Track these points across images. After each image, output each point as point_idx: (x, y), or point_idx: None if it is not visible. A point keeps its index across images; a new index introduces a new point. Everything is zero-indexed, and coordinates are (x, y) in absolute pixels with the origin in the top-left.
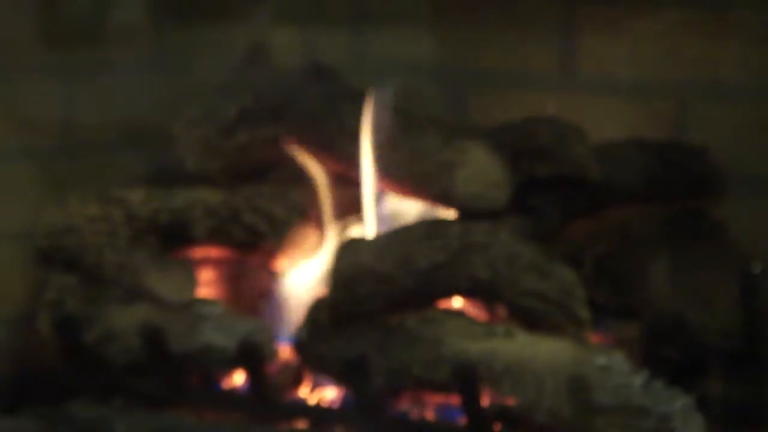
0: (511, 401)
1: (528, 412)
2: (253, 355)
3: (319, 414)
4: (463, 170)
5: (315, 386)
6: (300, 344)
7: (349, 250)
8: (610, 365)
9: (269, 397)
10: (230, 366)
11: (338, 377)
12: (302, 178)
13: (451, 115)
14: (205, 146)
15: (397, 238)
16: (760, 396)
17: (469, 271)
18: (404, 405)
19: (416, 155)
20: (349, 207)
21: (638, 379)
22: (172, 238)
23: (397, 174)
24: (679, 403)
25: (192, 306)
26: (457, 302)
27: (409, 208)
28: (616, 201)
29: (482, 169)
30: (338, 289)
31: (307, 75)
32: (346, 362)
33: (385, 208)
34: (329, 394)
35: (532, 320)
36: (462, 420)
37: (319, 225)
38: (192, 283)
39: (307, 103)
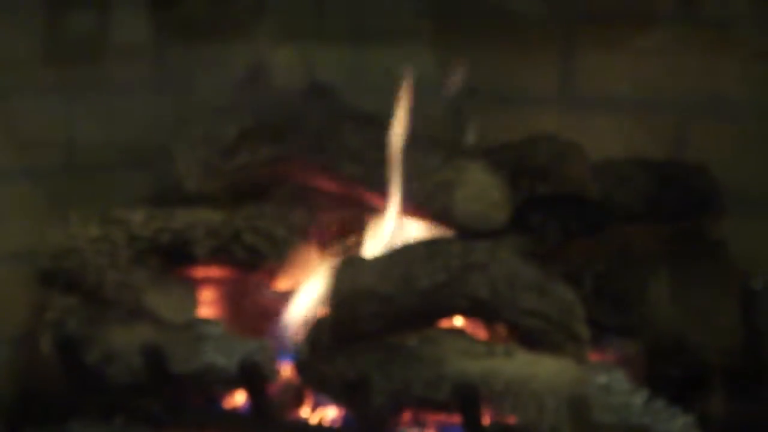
0: (511, 420)
1: (529, 430)
2: (254, 375)
3: None
4: (462, 189)
5: (316, 406)
6: (301, 364)
7: (349, 269)
8: (611, 384)
9: (270, 416)
10: (231, 386)
11: (339, 396)
12: (303, 198)
13: (451, 135)
14: (205, 167)
15: (398, 258)
16: (761, 414)
17: (469, 290)
18: (405, 424)
19: (416, 175)
20: (350, 227)
21: (639, 398)
22: (173, 258)
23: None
24: (680, 422)
25: (193, 326)
26: (457, 321)
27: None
28: (616, 220)
29: (482, 189)
30: (339, 308)
31: (307, 95)
32: (347, 381)
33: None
34: (330, 413)
35: (532, 339)
36: None
37: (320, 244)
38: (193, 302)
39: (307, 124)
